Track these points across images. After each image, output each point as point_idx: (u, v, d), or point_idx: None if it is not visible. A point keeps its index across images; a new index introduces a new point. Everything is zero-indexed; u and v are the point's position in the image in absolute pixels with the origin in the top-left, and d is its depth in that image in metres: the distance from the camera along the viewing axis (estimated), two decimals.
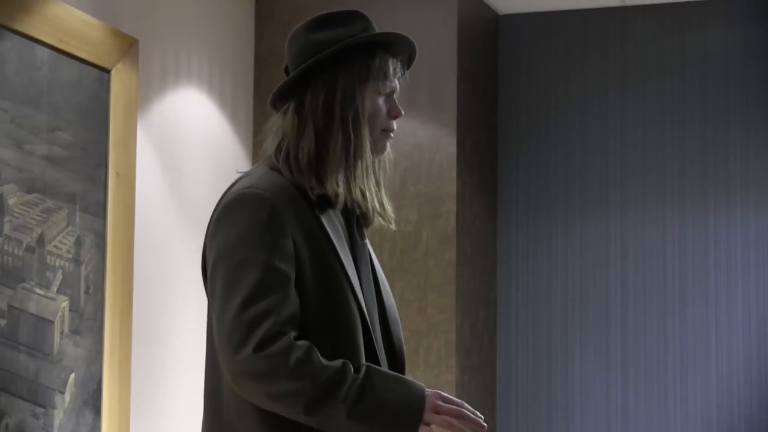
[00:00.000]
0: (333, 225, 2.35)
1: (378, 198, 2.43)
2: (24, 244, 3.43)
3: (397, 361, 2.44)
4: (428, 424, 2.22)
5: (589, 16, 5.08)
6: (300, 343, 2.20)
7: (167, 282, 4.18)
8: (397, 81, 2.42)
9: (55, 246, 3.56)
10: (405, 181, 4.62)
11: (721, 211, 4.88)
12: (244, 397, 2.24)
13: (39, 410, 3.47)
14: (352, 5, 4.56)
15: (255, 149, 4.75)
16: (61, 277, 3.58)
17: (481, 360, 4.86)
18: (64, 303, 3.60)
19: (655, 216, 4.95)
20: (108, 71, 3.84)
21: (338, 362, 2.22)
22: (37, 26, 3.49)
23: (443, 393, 2.26)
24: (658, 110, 4.98)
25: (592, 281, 4.99)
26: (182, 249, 4.26)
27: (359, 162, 2.36)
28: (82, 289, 3.69)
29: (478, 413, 2.25)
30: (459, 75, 4.68)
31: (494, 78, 5.12)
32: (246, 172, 2.41)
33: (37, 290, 3.48)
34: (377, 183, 2.43)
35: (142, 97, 4.05)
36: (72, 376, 3.62)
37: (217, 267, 2.27)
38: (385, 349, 2.40)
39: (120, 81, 3.87)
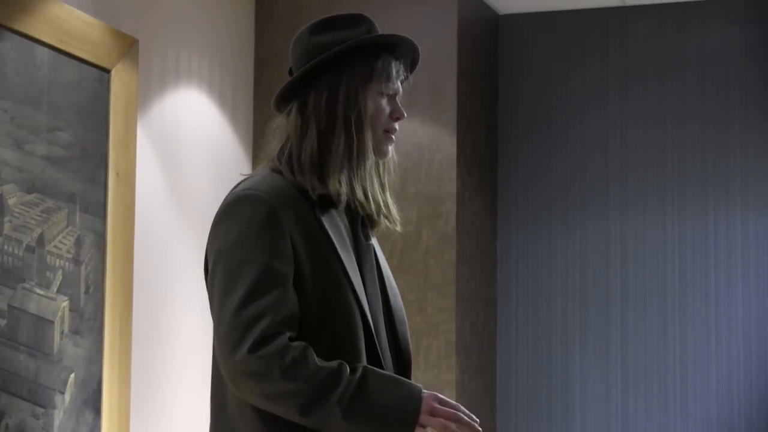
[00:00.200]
0: (335, 226, 2.35)
1: (382, 199, 2.43)
2: (24, 244, 3.43)
3: (403, 361, 2.44)
4: (423, 427, 2.22)
5: (589, 16, 5.08)
6: (296, 343, 2.21)
7: (167, 282, 4.18)
8: (399, 84, 2.43)
9: (55, 246, 3.56)
10: (405, 181, 4.62)
11: (721, 211, 4.88)
12: (242, 396, 2.25)
13: (39, 410, 3.47)
14: (352, 5, 4.56)
15: (255, 149, 4.75)
16: (61, 277, 3.58)
17: (481, 360, 4.86)
18: (64, 303, 3.60)
19: (655, 216, 4.95)
20: (108, 71, 3.84)
21: (334, 363, 2.22)
22: (37, 26, 3.49)
23: (440, 395, 2.26)
24: (658, 110, 4.98)
25: (592, 281, 4.99)
26: (182, 249, 4.26)
27: (362, 162, 2.37)
28: (82, 289, 3.69)
29: (473, 416, 2.25)
30: (459, 75, 4.68)
31: (494, 78, 5.12)
32: (248, 174, 2.43)
33: (37, 290, 3.48)
34: (381, 184, 2.44)
35: (142, 97, 4.05)
36: (72, 376, 3.62)
37: (216, 268, 2.28)
38: (391, 350, 2.41)
39: (120, 81, 3.88)
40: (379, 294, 2.42)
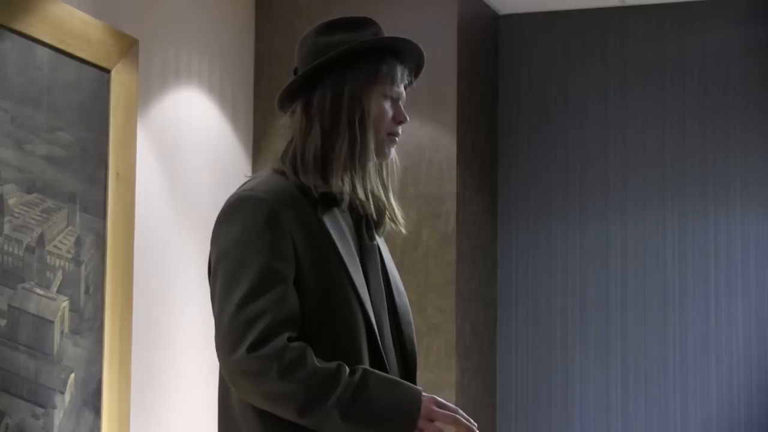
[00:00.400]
0: (337, 226, 2.35)
1: (385, 200, 2.45)
2: (24, 244, 3.43)
3: (408, 362, 2.44)
4: (422, 431, 2.22)
5: (589, 16, 5.08)
6: (295, 344, 2.21)
7: (167, 282, 4.18)
8: (403, 88, 2.44)
9: (55, 246, 3.56)
10: (405, 181, 4.62)
11: (721, 211, 4.88)
12: (242, 396, 2.25)
13: (39, 410, 3.47)
14: (352, 6, 4.56)
15: (255, 149, 4.75)
16: (61, 277, 3.58)
17: (481, 360, 4.86)
18: (64, 303, 3.60)
19: (655, 216, 4.95)
20: (108, 71, 3.84)
21: (333, 364, 2.22)
22: (37, 26, 3.49)
23: (439, 398, 2.26)
24: (658, 110, 4.98)
25: (592, 281, 4.99)
26: (182, 249, 4.26)
27: (364, 162, 2.39)
28: (82, 289, 3.69)
29: (471, 420, 2.26)
30: (459, 75, 4.67)
31: (494, 78, 5.12)
32: (251, 176, 2.44)
33: (37, 290, 3.48)
34: (384, 186, 2.46)
35: (142, 97, 4.05)
36: (72, 376, 3.62)
37: (218, 269, 2.30)
38: (396, 351, 2.41)
39: (120, 81, 3.88)
40: (384, 294, 2.42)
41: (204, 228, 4.30)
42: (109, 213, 3.81)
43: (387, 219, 2.46)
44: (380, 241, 2.50)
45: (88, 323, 3.71)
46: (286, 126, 2.43)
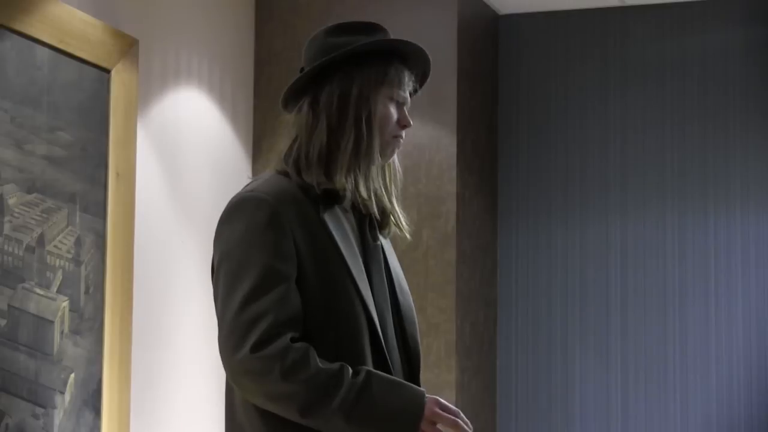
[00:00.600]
0: (339, 226, 2.36)
1: (388, 203, 2.46)
2: (24, 244, 3.43)
3: (412, 361, 2.45)
4: None
5: (589, 16, 5.08)
6: (298, 344, 2.21)
7: (167, 282, 4.18)
8: (408, 94, 2.44)
9: (55, 246, 3.56)
10: (405, 181, 4.58)
11: (721, 211, 4.88)
12: (245, 396, 2.26)
13: (39, 410, 3.47)
14: (352, 6, 4.56)
15: (255, 149, 4.75)
16: (61, 277, 3.58)
17: (481, 360, 4.86)
18: (64, 303, 3.60)
19: (655, 216, 4.95)
20: (108, 71, 3.84)
21: (336, 365, 2.22)
22: (37, 26, 3.49)
23: (441, 400, 2.27)
24: (658, 110, 4.98)
25: (592, 281, 4.99)
26: (182, 249, 4.26)
27: (368, 162, 2.40)
28: (82, 289, 3.69)
29: (469, 423, 2.27)
30: (459, 75, 4.67)
31: (494, 78, 5.12)
32: (254, 178, 2.45)
33: (37, 290, 3.48)
34: (386, 187, 2.47)
35: (142, 97, 4.05)
36: (72, 376, 3.62)
37: (220, 269, 2.30)
38: (399, 350, 2.41)
39: (120, 81, 3.88)
40: (388, 294, 2.43)
41: (204, 228, 4.30)
42: (109, 213, 3.81)
43: (391, 222, 2.46)
44: (385, 242, 2.51)
45: (88, 323, 3.71)
46: (289, 124, 2.44)
